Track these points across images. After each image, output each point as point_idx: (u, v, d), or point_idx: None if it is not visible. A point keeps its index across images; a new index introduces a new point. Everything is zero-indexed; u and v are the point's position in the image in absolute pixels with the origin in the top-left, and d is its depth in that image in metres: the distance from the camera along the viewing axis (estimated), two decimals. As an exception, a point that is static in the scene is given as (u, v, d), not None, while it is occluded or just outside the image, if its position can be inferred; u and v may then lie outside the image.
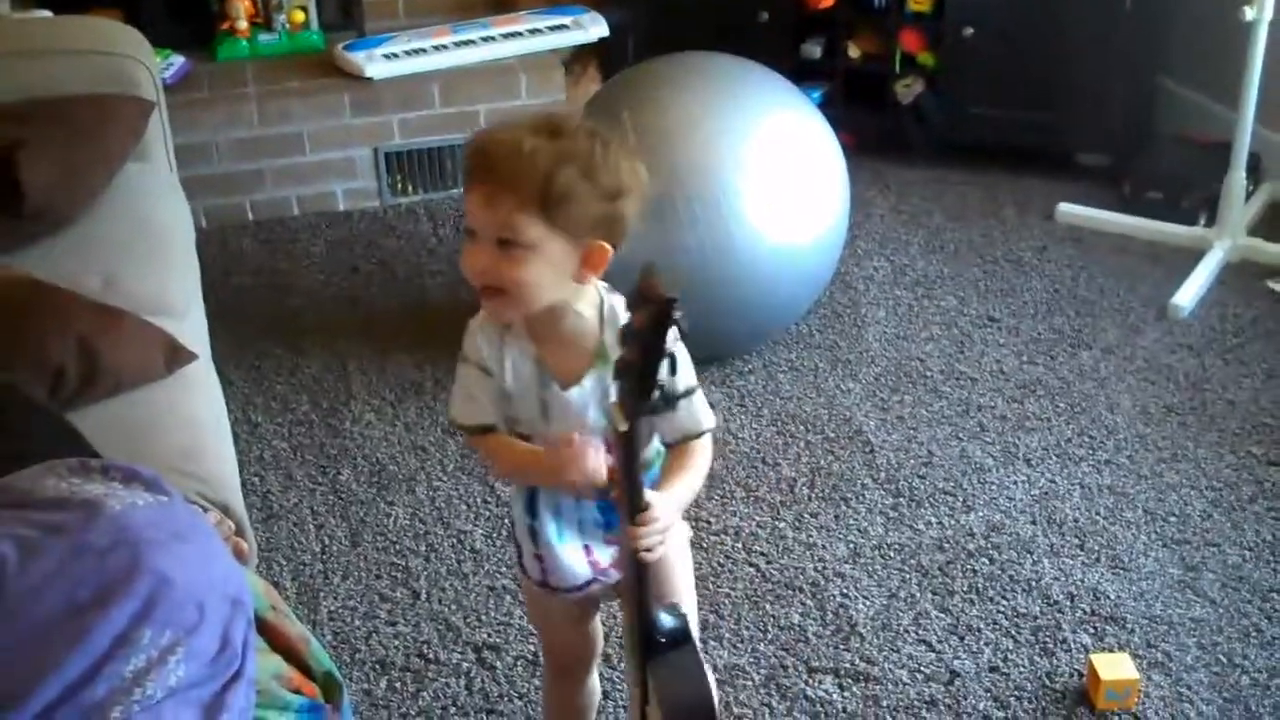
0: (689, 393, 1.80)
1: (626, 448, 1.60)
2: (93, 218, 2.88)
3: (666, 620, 1.77)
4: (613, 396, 1.63)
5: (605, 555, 1.92)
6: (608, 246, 1.70)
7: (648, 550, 1.69)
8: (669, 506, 1.73)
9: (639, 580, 1.74)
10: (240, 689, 1.56)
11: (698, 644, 1.80)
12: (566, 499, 1.87)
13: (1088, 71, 4.20)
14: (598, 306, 1.78)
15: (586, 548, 1.92)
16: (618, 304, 1.77)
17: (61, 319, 2.31)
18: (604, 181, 1.67)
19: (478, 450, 1.88)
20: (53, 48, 3.15)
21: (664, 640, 1.76)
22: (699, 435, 1.83)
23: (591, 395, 1.78)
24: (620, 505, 1.67)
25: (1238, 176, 3.74)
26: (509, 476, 1.89)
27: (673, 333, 1.47)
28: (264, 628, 1.71)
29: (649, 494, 1.69)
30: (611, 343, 1.75)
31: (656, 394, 1.52)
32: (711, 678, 2.14)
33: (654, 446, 1.86)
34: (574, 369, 1.78)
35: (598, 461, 1.69)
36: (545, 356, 1.79)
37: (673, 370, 1.52)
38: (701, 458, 1.84)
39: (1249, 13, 3.51)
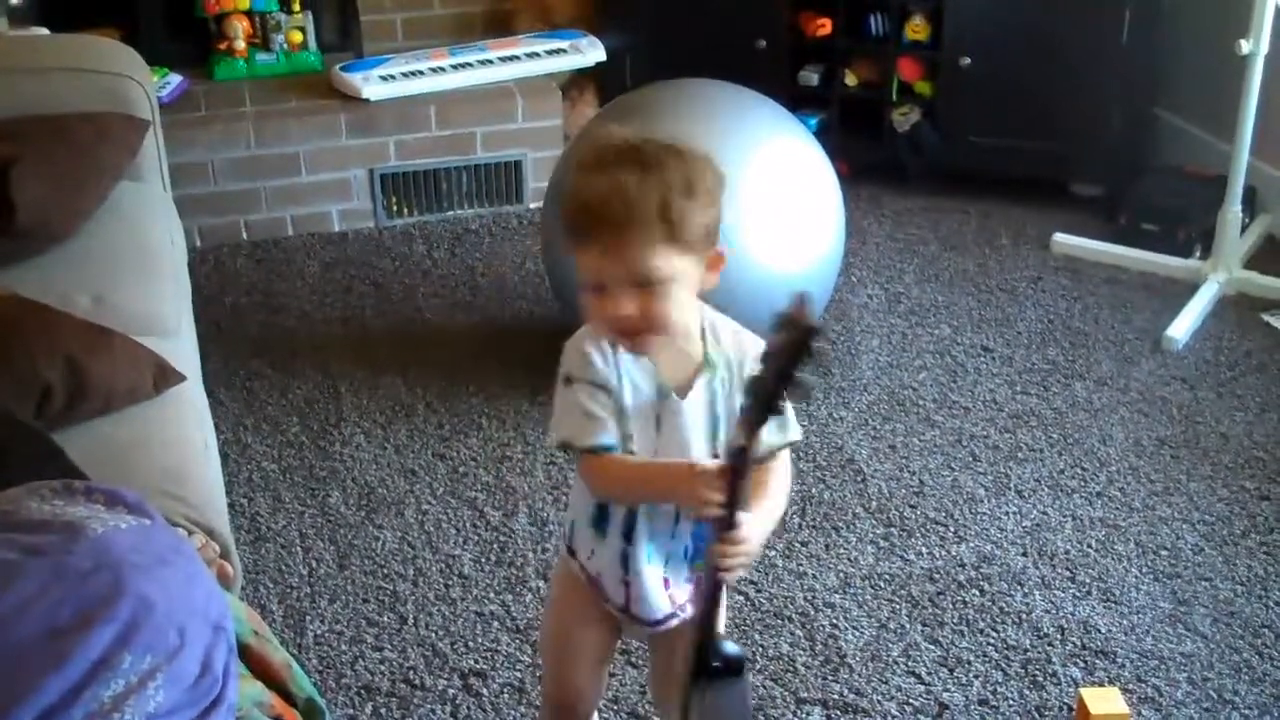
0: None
1: (739, 463, 1.63)
2: (85, 236, 2.87)
3: (729, 647, 1.79)
4: (719, 406, 1.69)
5: (683, 592, 1.93)
6: (723, 249, 1.76)
7: (729, 570, 1.70)
8: (758, 529, 1.73)
9: (712, 599, 1.75)
10: (220, 715, 1.54)
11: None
12: (664, 527, 1.87)
13: (1084, 102, 4.21)
14: (697, 315, 1.81)
15: (666, 580, 1.92)
16: (714, 316, 1.83)
17: (49, 338, 2.30)
18: (702, 191, 1.71)
19: (583, 470, 1.85)
20: (49, 65, 3.15)
21: (719, 666, 1.77)
22: (786, 446, 1.84)
23: (702, 404, 1.80)
24: (717, 522, 1.67)
25: (1233, 209, 3.74)
26: (618, 494, 1.87)
27: (809, 368, 1.50)
28: (246, 653, 1.70)
29: (741, 515, 1.70)
30: (715, 352, 1.80)
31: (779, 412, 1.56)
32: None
33: None
34: (683, 378, 1.80)
35: (720, 482, 1.67)
36: (662, 372, 1.80)
37: (797, 395, 1.55)
38: (780, 480, 1.85)
39: (1245, 46, 3.51)
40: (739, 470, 1.63)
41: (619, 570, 1.92)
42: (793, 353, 1.50)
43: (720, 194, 1.74)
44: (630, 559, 1.89)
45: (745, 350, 1.81)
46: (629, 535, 1.89)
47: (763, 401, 1.56)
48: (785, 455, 1.85)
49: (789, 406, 1.80)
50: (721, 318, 1.85)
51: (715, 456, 1.80)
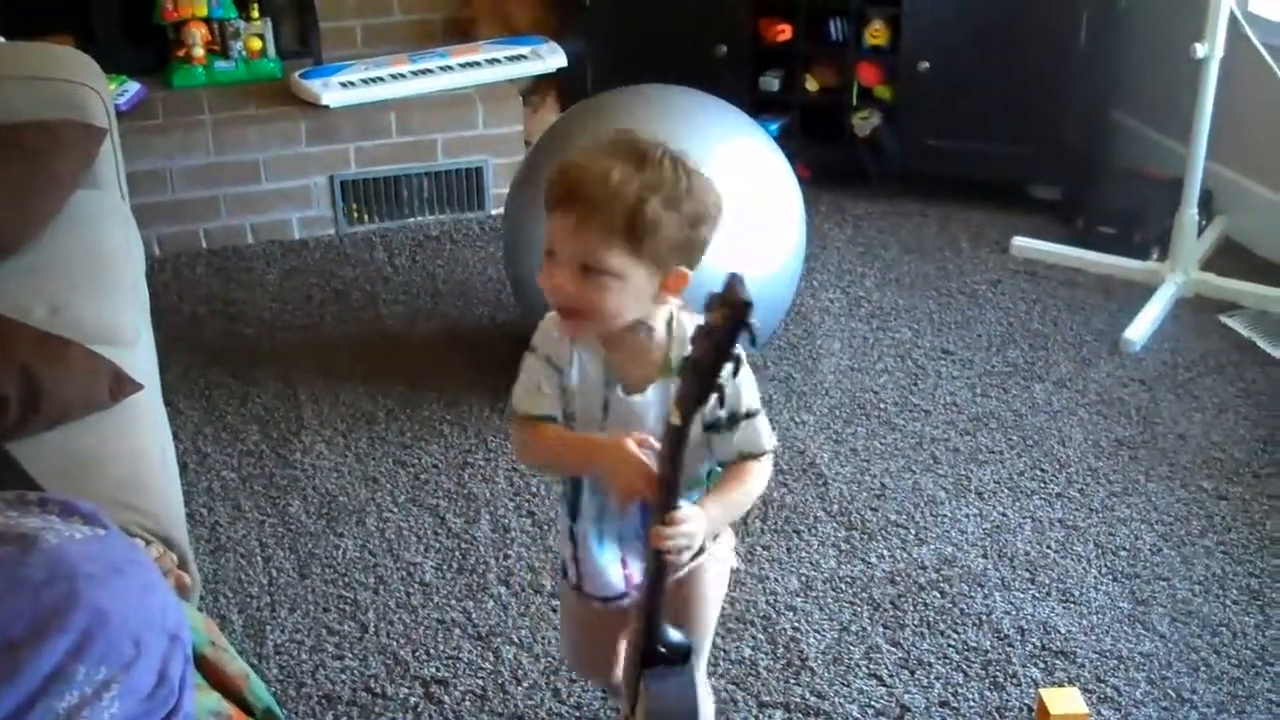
0: (751, 415, 1.81)
1: (675, 444, 1.63)
2: (41, 245, 2.84)
3: (673, 634, 1.80)
4: (673, 394, 1.67)
5: (640, 570, 1.92)
6: (687, 271, 1.73)
7: (667, 552, 1.71)
8: (701, 516, 1.74)
9: (655, 584, 1.77)
10: (177, 726, 1.54)
11: (697, 670, 1.81)
12: (611, 507, 1.88)
13: (1042, 106, 4.24)
14: (668, 321, 1.80)
15: (624, 560, 1.94)
16: (686, 320, 1.80)
17: (4, 348, 2.28)
18: (687, 209, 1.70)
19: (514, 435, 1.92)
20: (4, 74, 3.12)
21: (664, 652, 1.79)
22: (757, 456, 1.83)
23: (653, 404, 1.80)
24: (655, 504, 1.69)
25: (1190, 211, 3.77)
26: (547, 463, 1.95)
27: (744, 340, 1.51)
28: (202, 663, 1.69)
29: (684, 503, 1.71)
30: (678, 357, 1.78)
31: (715, 397, 1.57)
32: (710, 702, 2.15)
33: (706, 467, 1.88)
34: (639, 378, 1.81)
35: (646, 467, 1.69)
36: (613, 362, 1.81)
37: (735, 373, 1.56)
38: (754, 479, 1.84)
39: (1200, 50, 3.54)
40: (674, 450, 1.64)
41: (569, 546, 1.96)
42: (728, 328, 1.51)
43: (709, 222, 1.73)
44: (577, 535, 1.92)
45: None
46: (574, 512, 1.92)
47: (698, 380, 1.56)
48: (765, 462, 1.85)
49: (761, 416, 1.82)
50: (692, 320, 1.83)
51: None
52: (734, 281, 1.51)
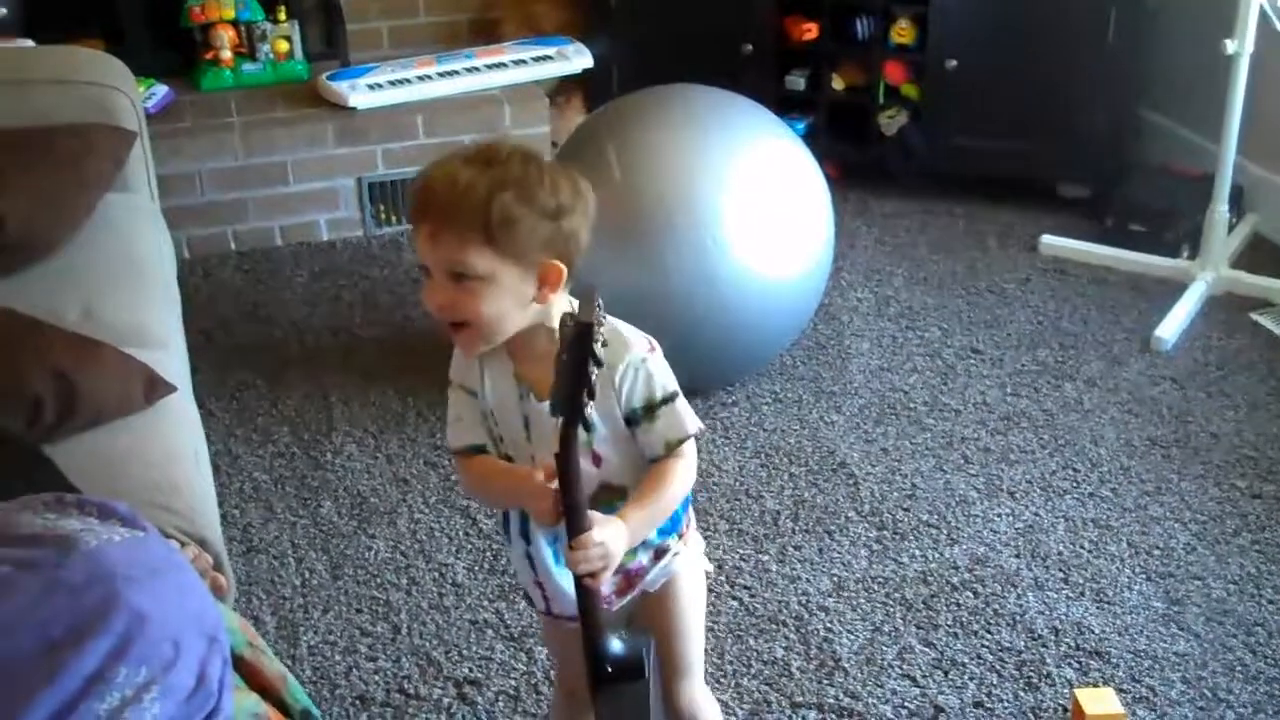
0: (668, 399, 1.79)
1: (563, 468, 1.63)
2: (73, 248, 2.86)
3: (616, 649, 1.76)
4: (611, 415, 1.66)
5: (606, 583, 1.87)
6: (561, 265, 1.71)
7: (589, 576, 1.69)
8: (618, 530, 1.71)
9: (584, 609, 1.73)
10: (216, 727, 1.54)
11: (650, 680, 1.78)
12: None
13: (1070, 103, 4.22)
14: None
15: None
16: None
17: (39, 351, 2.30)
18: (543, 201, 1.68)
19: (458, 471, 1.91)
20: (34, 77, 3.14)
21: (611, 670, 1.75)
22: (682, 441, 1.80)
23: None
24: (566, 527, 1.68)
25: (1220, 209, 3.75)
26: (475, 494, 1.95)
27: (599, 348, 1.52)
28: (241, 665, 1.69)
29: (595, 516, 1.69)
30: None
31: (584, 417, 1.58)
32: (715, 711, 2.12)
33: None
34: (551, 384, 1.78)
35: (554, 494, 1.68)
36: (522, 372, 1.80)
37: (591, 395, 1.56)
38: (675, 479, 1.80)
39: (1230, 46, 3.52)
40: (565, 473, 1.63)
41: (529, 573, 1.93)
42: (576, 351, 1.51)
43: (574, 211, 1.71)
44: (535, 559, 1.89)
45: (617, 353, 1.75)
46: (526, 534, 1.90)
47: (563, 406, 1.57)
48: (687, 449, 1.81)
49: (679, 399, 1.79)
50: (607, 322, 1.79)
51: (595, 457, 1.80)
52: (582, 299, 1.51)
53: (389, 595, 2.78)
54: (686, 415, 1.80)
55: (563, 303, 1.76)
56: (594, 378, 1.56)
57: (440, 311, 1.71)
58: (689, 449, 1.82)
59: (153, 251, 3.05)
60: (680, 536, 1.95)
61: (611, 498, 1.82)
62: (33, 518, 1.61)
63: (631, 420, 1.79)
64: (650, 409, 1.78)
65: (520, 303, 1.71)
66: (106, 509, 1.65)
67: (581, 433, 1.73)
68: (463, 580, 2.81)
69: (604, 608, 1.90)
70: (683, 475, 1.81)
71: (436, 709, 2.50)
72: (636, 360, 1.76)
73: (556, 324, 1.73)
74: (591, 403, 1.58)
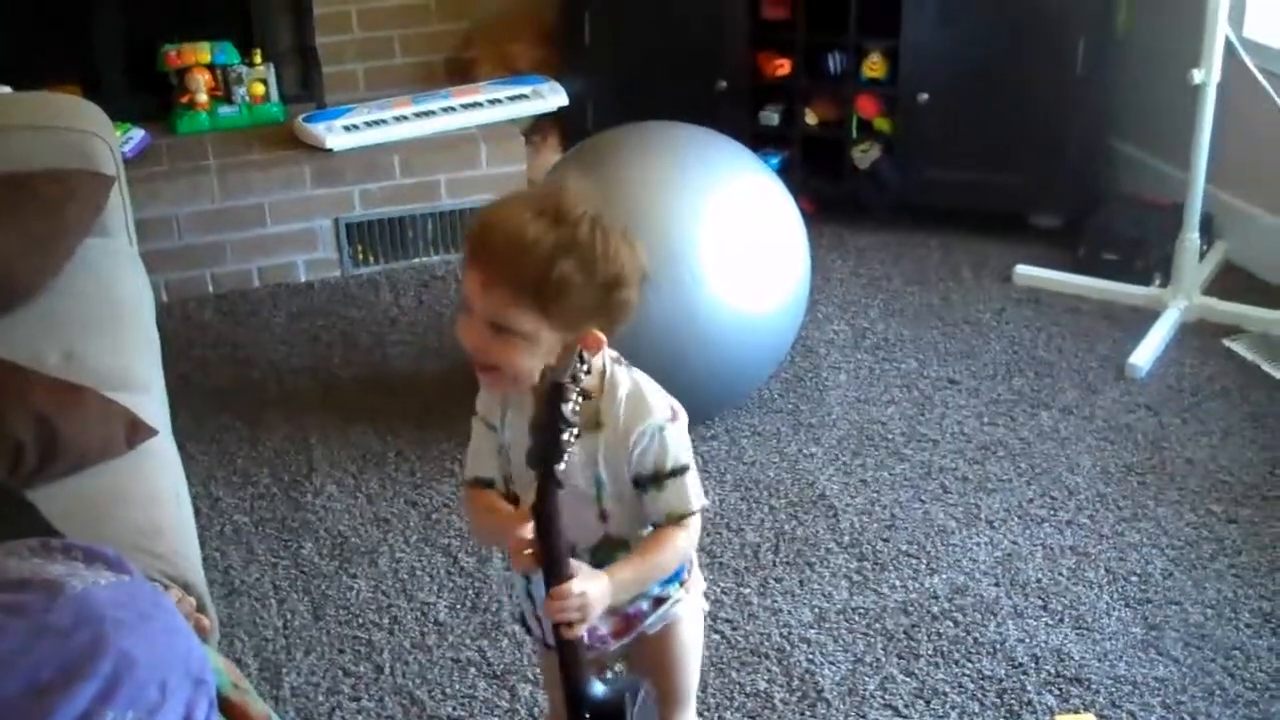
0: (678, 472, 1.78)
1: (538, 521, 1.64)
2: (53, 293, 2.87)
3: (598, 693, 1.76)
4: (601, 464, 1.67)
5: (603, 624, 1.90)
6: (601, 335, 1.70)
7: (566, 625, 1.69)
8: (599, 584, 1.72)
9: (562, 653, 1.73)
10: (202, 769, 1.54)
11: (685, 715, 1.79)
12: None
13: (1041, 134, 4.26)
14: (601, 374, 1.77)
15: None
16: (621, 375, 1.78)
17: (20, 396, 2.30)
18: (602, 272, 1.67)
19: (465, 500, 1.93)
20: (11, 123, 3.15)
21: (590, 717, 1.75)
22: (685, 516, 1.80)
23: (580, 459, 1.76)
24: (545, 576, 1.68)
25: (1191, 237, 3.79)
26: (470, 526, 1.95)
27: (570, 409, 1.54)
28: (226, 706, 1.70)
29: (580, 567, 1.70)
30: (609, 411, 1.76)
31: (557, 474, 1.60)
32: None
33: (645, 530, 1.86)
34: None
35: (521, 536, 1.69)
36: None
37: (561, 455, 1.58)
38: (673, 548, 1.81)
39: (1197, 75, 3.57)
40: (545, 525, 1.64)
41: (529, 604, 1.94)
42: (548, 409, 1.53)
43: (629, 284, 1.70)
44: (536, 596, 1.88)
45: (637, 415, 1.76)
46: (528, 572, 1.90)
47: (535, 463, 1.59)
48: (691, 522, 1.81)
49: (690, 474, 1.79)
50: (635, 377, 1.80)
51: (602, 513, 1.81)
52: (566, 355, 1.55)
53: (371, 635, 2.78)
54: (693, 490, 1.80)
55: (601, 356, 1.75)
56: (567, 437, 1.57)
57: (474, 352, 1.71)
58: (693, 522, 1.82)
59: (132, 295, 3.06)
60: (682, 584, 1.96)
61: (614, 550, 1.83)
62: (19, 563, 1.62)
63: (639, 484, 1.79)
64: (659, 478, 1.78)
65: (553, 358, 1.70)
66: (92, 553, 1.66)
67: (592, 490, 1.76)
68: (445, 619, 2.82)
69: (600, 647, 1.92)
70: (681, 545, 1.82)
71: (421, 747, 2.50)
72: (654, 427, 1.76)
73: (590, 378, 1.72)
74: (569, 455, 1.59)
